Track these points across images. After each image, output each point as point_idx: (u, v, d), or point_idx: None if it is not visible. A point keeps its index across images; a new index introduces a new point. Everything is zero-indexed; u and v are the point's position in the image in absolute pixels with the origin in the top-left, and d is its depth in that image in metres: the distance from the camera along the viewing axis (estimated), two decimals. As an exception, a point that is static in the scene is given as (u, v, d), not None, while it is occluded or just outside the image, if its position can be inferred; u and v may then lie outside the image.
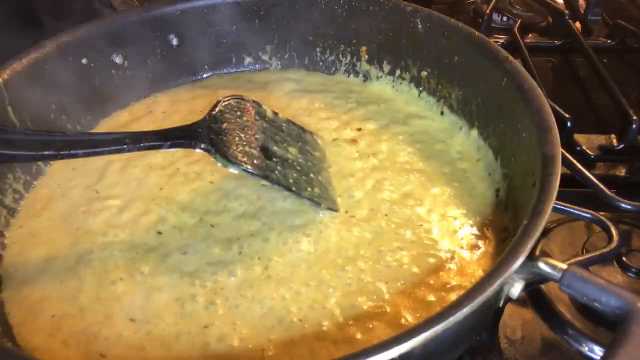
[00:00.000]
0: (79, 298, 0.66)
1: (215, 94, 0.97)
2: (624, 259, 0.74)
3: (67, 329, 0.63)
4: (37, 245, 0.73)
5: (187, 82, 1.01)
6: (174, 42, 0.98)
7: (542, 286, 0.70)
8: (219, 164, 0.68)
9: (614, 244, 0.68)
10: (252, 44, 1.02)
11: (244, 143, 0.71)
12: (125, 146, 0.66)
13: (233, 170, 0.68)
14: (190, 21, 0.96)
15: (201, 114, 0.90)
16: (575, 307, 0.69)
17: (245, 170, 0.68)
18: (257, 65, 1.05)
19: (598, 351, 0.65)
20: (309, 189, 0.73)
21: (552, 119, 0.66)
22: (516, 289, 0.54)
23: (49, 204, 0.79)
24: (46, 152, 0.64)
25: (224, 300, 0.65)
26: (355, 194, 0.78)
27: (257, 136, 0.73)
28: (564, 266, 0.51)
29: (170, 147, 0.68)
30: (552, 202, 0.56)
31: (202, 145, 0.67)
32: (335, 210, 0.75)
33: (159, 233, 0.73)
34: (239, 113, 0.74)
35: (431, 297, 0.64)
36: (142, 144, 0.67)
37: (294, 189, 0.72)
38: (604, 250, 0.67)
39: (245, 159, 0.69)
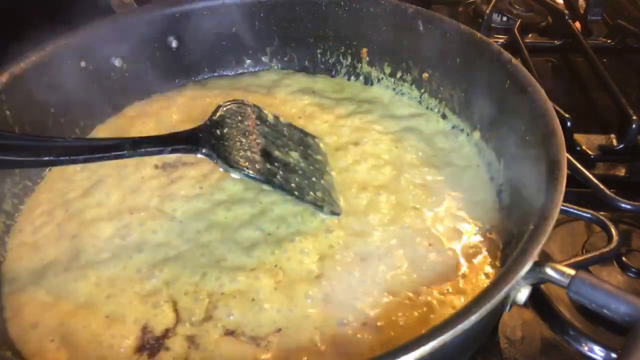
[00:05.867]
0: (80, 304, 0.65)
1: (214, 96, 0.96)
2: (623, 259, 0.74)
3: (68, 335, 0.63)
4: (38, 250, 0.72)
5: (187, 84, 1.01)
6: (173, 44, 0.97)
7: (542, 286, 0.70)
8: (221, 169, 0.68)
9: (613, 244, 0.68)
10: (252, 46, 1.02)
11: (245, 148, 0.70)
12: (125, 152, 0.66)
13: (235, 175, 0.68)
14: (190, 23, 0.96)
15: (200, 116, 0.90)
16: (575, 307, 0.69)
17: (247, 175, 0.68)
18: (257, 67, 1.04)
19: (598, 351, 0.66)
20: (311, 192, 0.73)
21: (557, 122, 0.66)
22: (523, 295, 0.53)
23: (49, 209, 0.78)
24: (45, 158, 0.63)
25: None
26: (357, 198, 0.77)
27: (258, 141, 0.73)
28: (571, 272, 0.51)
29: (171, 152, 0.67)
30: (558, 207, 0.55)
31: (204, 151, 0.67)
32: (338, 214, 0.74)
33: (158, 240, 0.72)
34: (240, 118, 0.74)
35: (435, 304, 0.64)
36: (142, 150, 0.66)
37: (296, 193, 0.71)
38: (604, 250, 0.67)
39: (246, 164, 0.68)
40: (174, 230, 0.73)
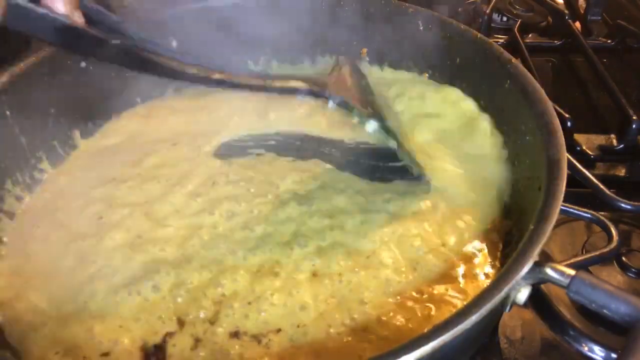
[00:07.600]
0: (81, 309, 0.65)
1: (217, 96, 0.96)
2: (623, 259, 0.74)
3: (68, 339, 0.62)
4: (38, 252, 0.72)
5: (188, 85, 1.00)
6: (173, 44, 0.96)
7: (542, 286, 0.70)
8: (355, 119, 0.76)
9: (613, 244, 0.67)
10: (253, 46, 1.02)
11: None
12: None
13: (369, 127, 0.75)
14: (190, 23, 0.95)
15: (202, 118, 0.91)
16: (575, 307, 0.69)
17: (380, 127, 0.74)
18: (258, 68, 1.04)
19: (598, 351, 0.66)
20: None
21: (557, 122, 0.66)
22: (523, 295, 0.53)
23: (49, 209, 0.77)
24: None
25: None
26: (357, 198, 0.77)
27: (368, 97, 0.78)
28: (572, 272, 0.51)
29: (306, 94, 0.76)
30: (558, 207, 0.55)
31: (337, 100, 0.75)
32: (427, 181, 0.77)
33: (159, 243, 0.72)
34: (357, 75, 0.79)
35: (435, 304, 0.64)
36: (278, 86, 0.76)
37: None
38: (604, 250, 0.67)
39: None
40: (175, 232, 0.73)
